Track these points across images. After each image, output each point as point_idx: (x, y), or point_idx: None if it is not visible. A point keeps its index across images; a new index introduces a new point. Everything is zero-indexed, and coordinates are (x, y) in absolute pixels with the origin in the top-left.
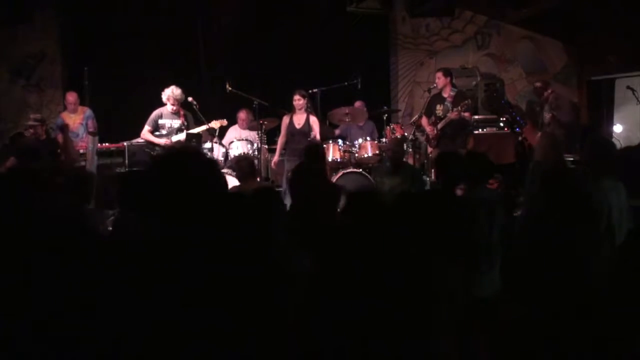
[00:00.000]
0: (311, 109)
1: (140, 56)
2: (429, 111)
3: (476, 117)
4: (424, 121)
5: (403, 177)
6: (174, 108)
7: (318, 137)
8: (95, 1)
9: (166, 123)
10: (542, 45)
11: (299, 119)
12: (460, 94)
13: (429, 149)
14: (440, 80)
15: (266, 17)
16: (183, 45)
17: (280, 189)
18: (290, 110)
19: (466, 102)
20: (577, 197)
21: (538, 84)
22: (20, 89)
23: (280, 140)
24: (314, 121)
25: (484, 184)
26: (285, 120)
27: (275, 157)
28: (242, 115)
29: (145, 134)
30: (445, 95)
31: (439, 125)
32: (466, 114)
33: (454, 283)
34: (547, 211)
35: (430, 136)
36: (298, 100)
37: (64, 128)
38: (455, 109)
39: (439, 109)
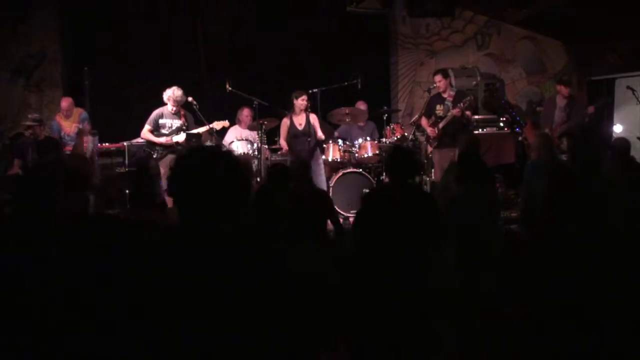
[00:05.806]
0: (309, 108)
1: (140, 56)
2: (429, 112)
3: (476, 117)
4: (424, 122)
5: None
6: (175, 108)
7: (321, 135)
8: (96, 2)
9: (167, 123)
10: (542, 45)
11: (299, 120)
12: (460, 93)
13: (429, 149)
14: (441, 82)
15: (266, 17)
16: (183, 45)
17: None
18: (291, 110)
19: (468, 98)
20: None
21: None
22: (20, 89)
23: (284, 142)
24: (314, 119)
25: (477, 183)
26: (286, 122)
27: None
28: (245, 112)
29: (145, 133)
30: (445, 95)
31: (441, 125)
32: (467, 112)
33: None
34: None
35: (431, 136)
36: (305, 101)
37: (81, 132)
38: (457, 106)
39: (439, 109)
